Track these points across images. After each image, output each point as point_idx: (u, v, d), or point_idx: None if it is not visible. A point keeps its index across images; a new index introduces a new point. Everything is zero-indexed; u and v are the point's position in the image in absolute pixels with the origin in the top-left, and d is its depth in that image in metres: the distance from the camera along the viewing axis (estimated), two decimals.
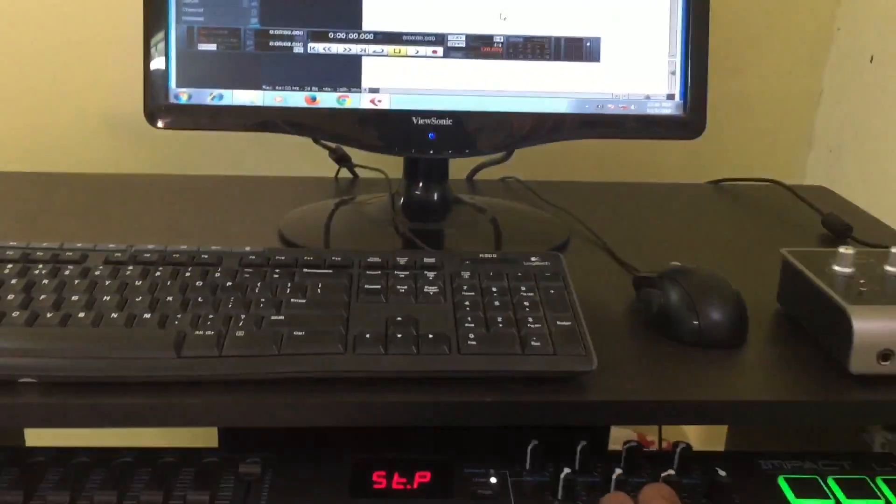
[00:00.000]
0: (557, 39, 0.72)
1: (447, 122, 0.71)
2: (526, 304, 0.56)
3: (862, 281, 0.55)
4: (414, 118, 0.71)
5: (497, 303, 0.56)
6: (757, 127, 1.08)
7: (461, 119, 0.71)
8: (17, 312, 0.52)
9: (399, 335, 0.52)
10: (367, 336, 0.52)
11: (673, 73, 0.72)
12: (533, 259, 0.62)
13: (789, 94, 1.08)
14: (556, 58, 0.72)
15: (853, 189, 0.98)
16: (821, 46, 1.07)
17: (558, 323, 0.54)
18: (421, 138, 0.71)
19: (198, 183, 0.89)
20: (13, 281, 0.56)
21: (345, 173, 0.92)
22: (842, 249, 0.57)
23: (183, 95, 0.70)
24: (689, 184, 0.93)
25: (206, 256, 0.60)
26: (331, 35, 0.70)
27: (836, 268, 0.57)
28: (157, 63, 0.70)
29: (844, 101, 1.04)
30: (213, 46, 0.70)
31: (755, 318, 0.59)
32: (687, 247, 0.76)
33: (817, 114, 1.09)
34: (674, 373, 0.54)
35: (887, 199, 0.94)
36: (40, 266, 0.58)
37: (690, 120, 0.73)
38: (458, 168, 0.84)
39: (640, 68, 0.72)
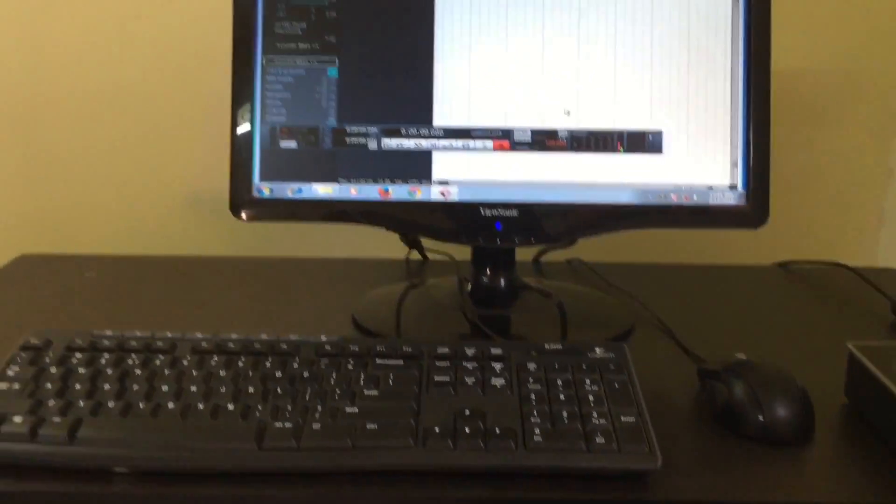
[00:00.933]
0: (620, 133, 0.74)
1: (513, 212, 0.74)
2: (591, 398, 0.57)
3: None
4: (481, 209, 0.74)
5: (562, 396, 0.58)
6: (826, 204, 1.08)
7: (527, 210, 0.74)
8: (113, 403, 0.56)
9: (467, 429, 0.54)
10: (437, 430, 0.54)
11: (735, 164, 0.74)
12: (598, 350, 0.63)
13: (859, 172, 1.08)
14: (620, 150, 0.74)
15: None
16: (890, 123, 1.07)
17: (622, 419, 0.55)
18: (488, 228, 0.74)
19: (276, 265, 0.94)
20: (109, 371, 0.60)
21: (415, 254, 0.96)
22: None
23: (265, 189, 0.75)
24: (755, 266, 0.94)
25: (284, 346, 0.64)
26: (403, 132, 0.75)
27: None
28: (243, 159, 0.75)
29: None
30: (293, 143, 0.75)
31: (822, 414, 0.59)
32: (753, 334, 0.76)
33: (888, 192, 1.08)
34: (739, 471, 0.54)
35: None
36: (133, 356, 0.62)
37: (753, 210, 0.74)
38: (525, 249, 0.87)
39: (701, 159, 0.74)
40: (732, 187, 0.74)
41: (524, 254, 0.89)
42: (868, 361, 0.59)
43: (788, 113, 1.03)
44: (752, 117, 0.74)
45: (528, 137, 0.74)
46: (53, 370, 0.60)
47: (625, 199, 0.74)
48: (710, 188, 0.74)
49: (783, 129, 1.03)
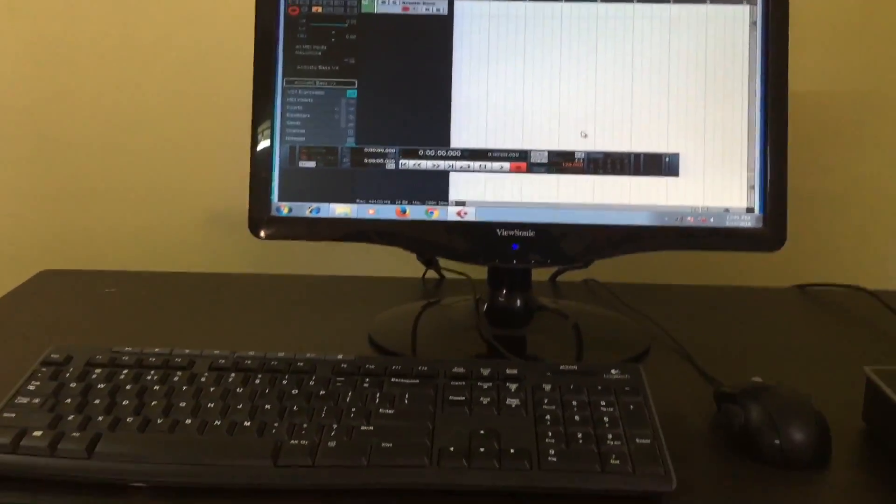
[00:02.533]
0: (637, 155, 0.75)
1: (530, 233, 0.74)
2: (606, 419, 0.58)
3: None
4: (498, 230, 0.75)
5: (577, 417, 0.58)
6: (846, 227, 1.08)
7: (543, 231, 0.74)
8: (132, 418, 0.57)
9: (482, 449, 0.54)
10: (452, 449, 0.54)
11: (752, 187, 0.74)
12: (613, 372, 0.63)
13: (878, 194, 1.07)
14: (636, 172, 0.75)
15: None
16: None
17: (637, 441, 0.55)
18: (504, 249, 0.75)
19: (294, 283, 0.94)
20: (128, 387, 0.61)
21: (431, 273, 0.96)
22: None
23: (284, 209, 0.76)
24: (773, 288, 0.94)
25: (301, 364, 0.64)
26: (420, 152, 0.75)
27: None
28: (262, 179, 0.76)
29: None
30: (312, 164, 0.76)
31: (839, 438, 0.59)
32: (770, 357, 0.76)
33: None
34: (754, 495, 0.54)
35: None
36: (152, 372, 0.63)
37: (770, 233, 0.74)
38: (542, 269, 0.87)
39: (718, 182, 0.74)
40: (749, 210, 0.74)
41: (541, 273, 0.89)
42: (885, 386, 0.58)
43: (807, 135, 1.03)
44: (770, 140, 0.74)
45: (544, 159, 0.75)
46: (73, 385, 0.61)
47: (641, 221, 0.75)
48: (727, 211, 0.74)
49: (801, 152, 1.03)
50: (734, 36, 0.74)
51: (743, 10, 0.74)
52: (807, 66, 1.01)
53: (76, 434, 0.55)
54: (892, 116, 1.05)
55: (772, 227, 0.74)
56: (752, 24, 0.74)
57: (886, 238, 1.08)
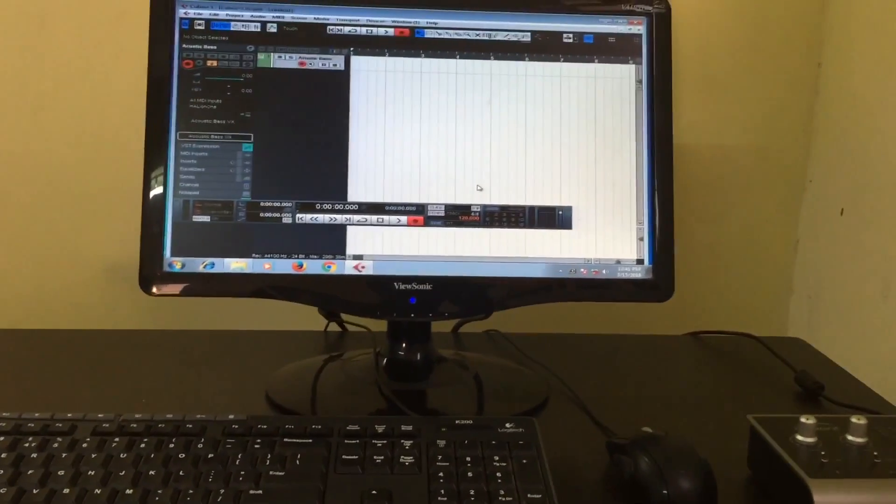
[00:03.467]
0: (531, 208, 0.76)
1: (427, 287, 0.75)
2: (498, 475, 0.58)
3: (823, 452, 0.57)
4: (395, 283, 0.75)
5: (470, 473, 0.58)
6: (737, 275, 1.12)
7: (441, 284, 0.75)
8: (4, 489, 0.54)
9: None
10: None
11: (641, 239, 0.76)
12: (508, 426, 0.64)
13: (766, 243, 1.12)
14: (531, 225, 0.76)
15: (832, 338, 1.00)
16: (794, 197, 1.11)
17: (529, 496, 0.55)
18: (402, 303, 0.75)
19: (191, 338, 0.92)
20: (3, 455, 0.58)
21: (334, 326, 0.96)
22: (803, 419, 0.59)
23: (177, 264, 0.74)
24: (667, 336, 0.96)
25: (190, 426, 0.62)
26: (318, 206, 0.75)
27: (799, 437, 0.59)
28: (154, 234, 0.74)
29: (819, 251, 1.08)
30: (206, 218, 0.74)
31: (725, 485, 0.60)
32: (663, 405, 0.78)
33: (795, 262, 1.12)
34: None
35: (863, 348, 0.96)
36: (30, 438, 0.60)
37: (660, 283, 0.76)
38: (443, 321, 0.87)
39: (609, 234, 0.76)
40: (639, 261, 0.76)
41: (443, 324, 0.89)
42: (766, 433, 0.60)
43: (697, 187, 1.08)
44: (657, 193, 0.76)
45: (441, 212, 0.76)
46: None
47: (537, 273, 0.76)
48: (619, 262, 0.76)
49: (694, 203, 1.08)
50: (622, 93, 0.77)
51: (629, 69, 0.77)
52: (697, 120, 1.05)
53: None
54: (777, 167, 1.10)
55: (661, 278, 0.76)
56: (638, 82, 0.77)
57: (776, 285, 1.13)
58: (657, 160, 0.76)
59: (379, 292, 0.75)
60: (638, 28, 0.78)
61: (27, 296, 1.03)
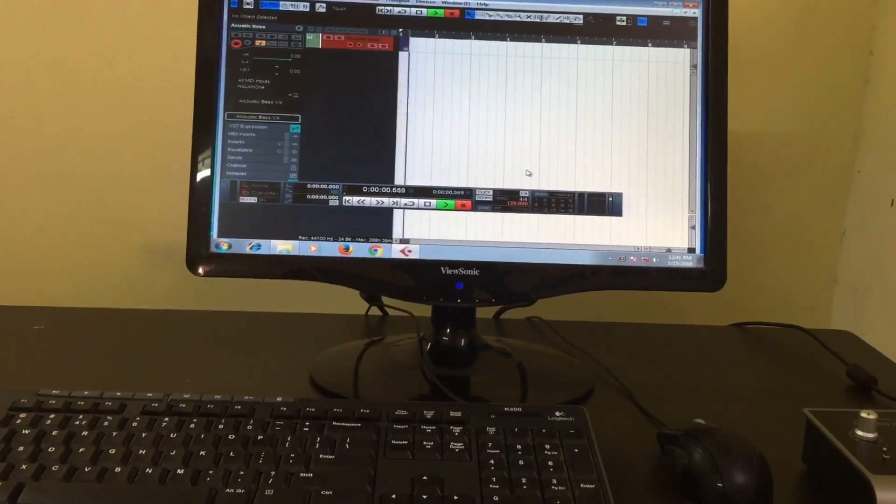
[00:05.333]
0: (581, 194, 0.75)
1: (474, 272, 0.74)
2: (550, 463, 0.57)
3: (885, 448, 0.56)
4: (442, 268, 0.74)
5: (521, 461, 0.57)
6: (782, 265, 1.10)
7: (487, 269, 0.74)
8: (57, 466, 0.54)
9: (424, 496, 0.53)
10: (393, 497, 0.53)
11: (693, 227, 0.75)
12: (557, 414, 0.63)
13: (812, 234, 1.10)
14: (580, 212, 0.75)
15: (878, 331, 0.98)
16: (842, 187, 1.09)
17: (582, 485, 0.55)
18: (448, 288, 0.74)
19: (234, 320, 0.92)
20: (54, 432, 0.58)
21: (375, 310, 0.95)
22: (863, 414, 0.58)
23: (223, 245, 0.74)
24: (713, 326, 0.95)
25: (238, 407, 0.62)
26: (364, 189, 0.74)
27: (860, 432, 0.57)
28: (201, 214, 0.74)
29: (867, 242, 1.06)
30: (253, 199, 0.74)
31: (780, 479, 0.59)
32: (711, 397, 0.77)
33: (841, 253, 1.10)
34: None
35: None
36: (80, 417, 0.60)
37: (711, 273, 0.75)
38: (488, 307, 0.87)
39: (660, 222, 0.75)
40: (691, 250, 0.75)
41: (485, 311, 0.88)
42: (824, 427, 0.59)
43: (744, 176, 1.06)
44: (710, 182, 0.75)
45: (489, 197, 0.75)
46: None
47: (585, 260, 0.75)
48: (669, 251, 0.75)
49: (739, 192, 1.06)
50: (675, 78, 0.76)
51: (684, 54, 0.76)
52: (744, 108, 1.03)
53: None
54: (824, 155, 1.08)
55: (712, 268, 0.75)
56: (693, 66, 0.76)
57: (821, 276, 1.11)
58: (711, 147, 0.75)
59: (425, 277, 0.74)
60: (694, 11, 0.76)
61: (72, 274, 1.04)
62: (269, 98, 0.74)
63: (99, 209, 1.03)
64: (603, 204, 0.75)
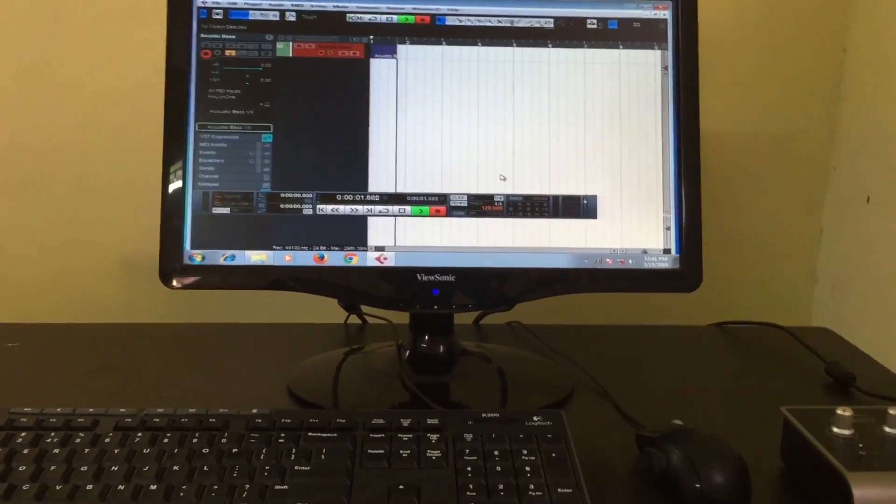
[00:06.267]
0: (555, 198, 0.75)
1: (450, 278, 0.74)
2: (527, 468, 0.56)
3: (861, 445, 0.56)
4: (418, 275, 0.74)
5: (499, 468, 0.57)
6: (760, 265, 1.10)
7: (464, 275, 0.74)
8: (28, 485, 0.53)
9: None
10: None
11: (668, 228, 0.75)
12: (535, 419, 0.63)
13: (790, 232, 1.10)
14: (555, 215, 0.75)
15: (857, 327, 0.99)
16: (818, 185, 1.10)
17: (559, 490, 0.54)
18: (425, 294, 0.74)
19: (210, 332, 0.91)
20: (25, 451, 0.57)
21: (354, 319, 0.95)
22: (839, 411, 0.58)
23: (197, 257, 0.73)
24: (691, 326, 0.95)
25: (213, 420, 0.61)
26: (338, 197, 0.74)
27: (836, 429, 0.57)
28: (174, 226, 0.73)
29: (844, 240, 1.06)
30: (226, 210, 0.74)
31: (759, 479, 0.59)
32: (690, 397, 0.77)
33: (819, 251, 1.11)
34: None
35: (890, 338, 0.94)
36: (52, 434, 0.59)
37: (687, 273, 0.75)
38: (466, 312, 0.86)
39: (636, 224, 0.75)
40: (666, 251, 0.75)
41: (464, 316, 0.88)
42: (801, 426, 0.59)
43: (720, 176, 1.06)
44: (684, 182, 0.75)
45: (464, 202, 0.74)
46: None
47: (561, 263, 0.75)
48: (645, 252, 0.75)
49: (715, 192, 1.06)
50: (647, 80, 0.76)
51: (655, 55, 0.76)
52: (718, 108, 1.04)
53: None
54: (800, 154, 1.08)
55: (688, 268, 0.75)
56: (664, 68, 0.76)
57: (799, 274, 1.11)
58: (684, 148, 0.75)
59: (401, 284, 0.74)
60: (664, 13, 0.76)
61: (45, 289, 1.03)
62: (240, 108, 0.74)
63: (70, 224, 1.02)
64: (578, 207, 0.75)
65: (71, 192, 1.01)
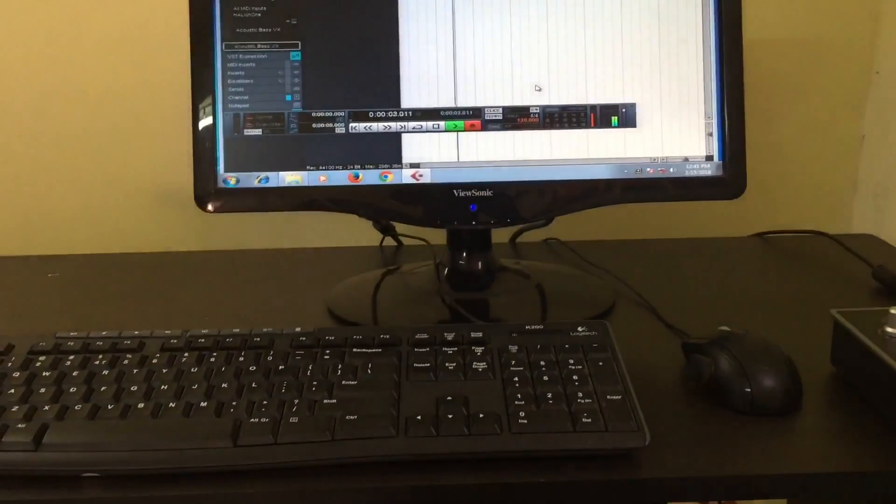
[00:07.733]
0: (593, 107, 0.73)
1: (488, 193, 0.72)
2: (575, 377, 0.56)
3: None
4: (455, 191, 0.72)
5: (546, 377, 0.56)
6: (801, 174, 1.08)
7: (501, 190, 0.72)
8: (80, 406, 0.54)
9: (450, 416, 0.53)
10: (419, 418, 0.52)
11: (710, 134, 0.73)
12: (580, 329, 0.62)
13: (831, 140, 1.07)
14: (593, 125, 0.73)
15: None
16: (859, 90, 1.06)
17: (608, 397, 0.54)
18: (462, 210, 0.73)
19: (247, 258, 0.91)
20: (75, 373, 0.58)
21: (389, 241, 0.94)
22: (893, 311, 0.56)
23: (231, 180, 0.73)
24: (733, 237, 0.93)
25: (258, 339, 0.62)
26: (371, 114, 0.72)
27: (889, 329, 0.56)
28: (206, 150, 0.72)
29: (887, 145, 1.03)
30: (258, 131, 0.72)
31: (809, 383, 0.58)
32: (735, 306, 0.76)
33: (861, 159, 1.08)
34: (728, 445, 0.53)
35: None
36: (100, 356, 0.60)
37: (730, 180, 0.73)
38: (501, 230, 0.85)
39: (676, 131, 0.73)
40: (709, 158, 0.73)
41: (500, 235, 0.87)
42: (853, 327, 0.58)
43: (759, 83, 1.02)
44: (726, 87, 0.73)
45: (499, 115, 0.73)
46: (16, 375, 0.57)
47: (600, 174, 0.73)
48: (687, 160, 0.73)
49: (755, 100, 1.02)
50: None
51: None
52: (758, 15, 1.00)
53: (21, 425, 0.52)
54: (841, 60, 1.04)
55: (732, 174, 0.73)
56: None
57: (841, 182, 1.09)
58: (726, 50, 0.72)
59: (438, 201, 0.73)
60: None
61: (80, 223, 1.03)
62: (266, 26, 0.72)
63: (102, 156, 1.01)
64: (616, 115, 0.73)
65: (99, 124, 1.01)
